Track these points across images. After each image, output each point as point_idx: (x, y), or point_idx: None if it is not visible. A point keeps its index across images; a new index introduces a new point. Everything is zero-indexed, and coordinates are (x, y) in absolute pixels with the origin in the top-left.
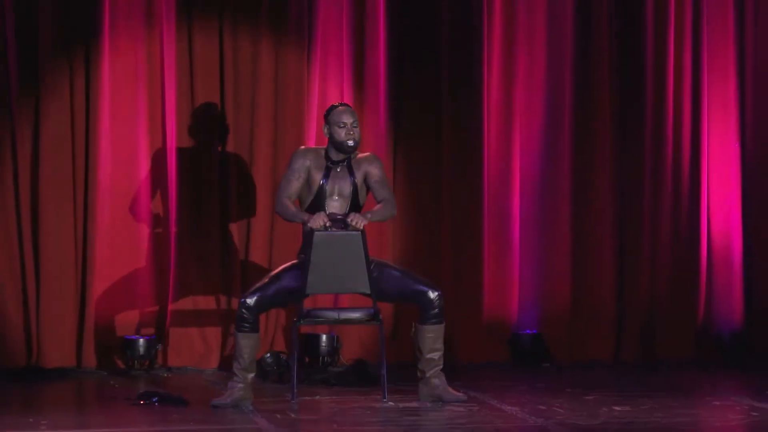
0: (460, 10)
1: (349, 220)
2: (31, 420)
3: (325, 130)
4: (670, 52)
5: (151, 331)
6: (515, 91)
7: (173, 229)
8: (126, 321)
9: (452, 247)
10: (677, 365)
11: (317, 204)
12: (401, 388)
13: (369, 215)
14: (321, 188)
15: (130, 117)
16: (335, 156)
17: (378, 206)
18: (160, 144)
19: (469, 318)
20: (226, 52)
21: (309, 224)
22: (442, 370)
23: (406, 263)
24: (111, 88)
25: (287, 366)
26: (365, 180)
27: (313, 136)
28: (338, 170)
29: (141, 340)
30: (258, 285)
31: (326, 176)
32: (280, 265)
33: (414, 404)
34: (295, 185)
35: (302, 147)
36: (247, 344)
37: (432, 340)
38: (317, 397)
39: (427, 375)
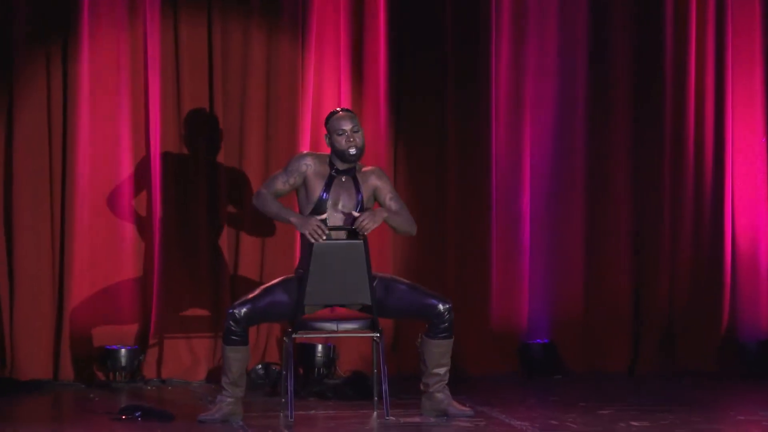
0: None
1: (358, 221)
2: None
3: (327, 140)
4: (691, 39)
5: (133, 340)
6: (525, 81)
7: (158, 231)
8: (106, 330)
9: (457, 249)
10: (699, 377)
11: (316, 215)
12: (403, 401)
13: (385, 214)
14: (321, 198)
15: (112, 112)
16: (340, 165)
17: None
18: (143, 141)
19: (475, 326)
20: (214, 42)
21: (304, 234)
22: (447, 383)
23: (407, 268)
24: (91, 81)
25: (279, 378)
26: (374, 195)
27: (308, 132)
28: (343, 180)
29: (122, 351)
30: (249, 296)
31: (328, 186)
32: (273, 270)
33: (416, 419)
34: (280, 185)
35: (305, 151)
36: (235, 358)
37: (439, 355)
38: (312, 411)
39: (431, 390)
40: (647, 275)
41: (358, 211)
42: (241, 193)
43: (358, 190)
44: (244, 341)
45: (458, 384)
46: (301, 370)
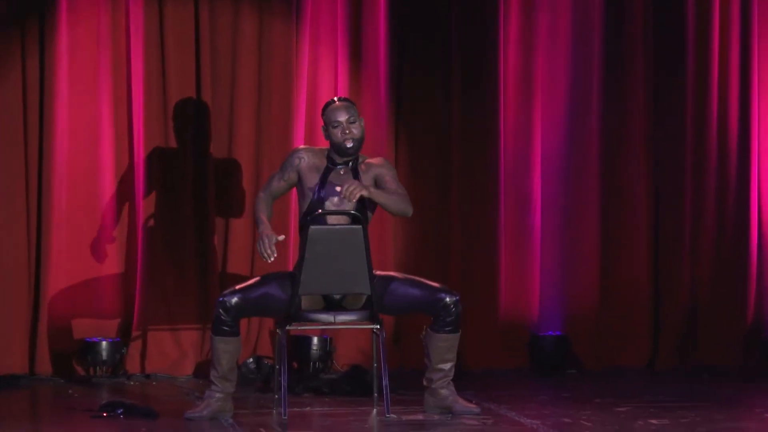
0: None
1: (344, 188)
2: None
3: (324, 132)
4: (715, 10)
5: (115, 332)
6: (535, 58)
7: (141, 219)
8: (86, 321)
9: (464, 238)
10: (722, 373)
11: (313, 210)
12: (404, 398)
13: (374, 191)
14: (317, 192)
15: (92, 94)
16: (338, 159)
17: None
18: (126, 126)
19: (482, 318)
20: (201, 20)
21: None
22: (452, 379)
23: (409, 258)
24: (69, 61)
25: (272, 373)
26: (376, 183)
27: (303, 118)
28: (341, 173)
29: (103, 343)
30: (241, 285)
31: (324, 179)
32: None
33: (419, 417)
34: (275, 184)
35: (301, 146)
36: (225, 349)
37: (444, 350)
38: (307, 408)
39: (435, 386)
40: (667, 265)
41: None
42: (230, 180)
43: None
44: (235, 332)
45: (464, 379)
46: (296, 365)
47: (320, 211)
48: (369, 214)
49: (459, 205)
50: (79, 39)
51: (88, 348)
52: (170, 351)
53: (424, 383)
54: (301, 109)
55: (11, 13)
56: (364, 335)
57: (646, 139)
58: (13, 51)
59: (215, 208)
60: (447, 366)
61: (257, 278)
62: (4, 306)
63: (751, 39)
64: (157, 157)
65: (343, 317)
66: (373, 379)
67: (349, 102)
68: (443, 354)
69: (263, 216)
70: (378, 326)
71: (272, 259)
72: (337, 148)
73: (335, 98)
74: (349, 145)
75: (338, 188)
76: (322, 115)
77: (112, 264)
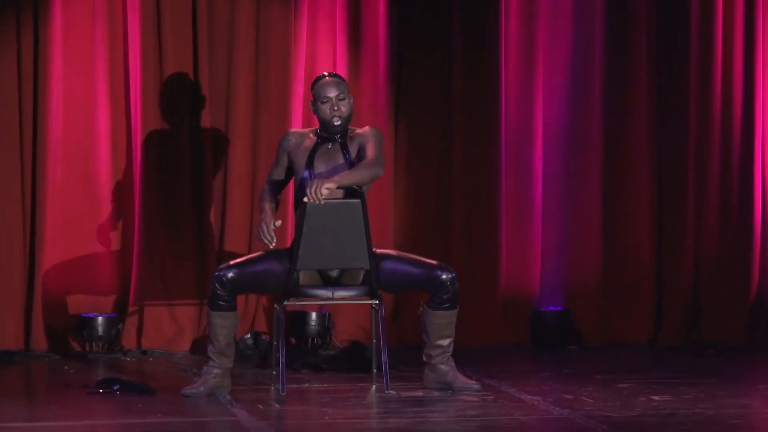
0: None
1: (307, 191)
2: None
3: (312, 108)
4: None
5: (111, 308)
6: (537, 23)
7: (138, 191)
8: (82, 297)
9: (463, 210)
10: (725, 349)
11: (304, 189)
12: (404, 374)
13: (337, 178)
14: (307, 169)
15: (87, 67)
16: (326, 134)
17: (355, 167)
18: (122, 99)
19: (482, 292)
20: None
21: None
22: (452, 355)
23: (410, 233)
24: (64, 34)
25: (270, 349)
26: (358, 154)
27: (300, 97)
28: (329, 147)
29: (99, 319)
30: (239, 260)
31: (312, 156)
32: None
33: (419, 393)
34: (274, 171)
35: (291, 130)
36: (222, 324)
37: (442, 326)
38: (305, 384)
39: (434, 361)
40: (670, 240)
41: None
42: (227, 157)
43: (346, 156)
44: (232, 307)
45: (463, 355)
46: (294, 340)
47: (269, 238)
48: (364, 186)
49: (459, 179)
50: (74, 14)
51: (84, 324)
52: (167, 327)
53: (424, 359)
54: (299, 86)
55: None
56: (363, 311)
57: (649, 112)
58: (8, 27)
59: (212, 185)
60: (445, 342)
61: (254, 254)
62: None
63: (755, 11)
64: (153, 133)
65: (341, 293)
66: (372, 355)
67: (339, 78)
68: (441, 330)
69: (266, 205)
70: (377, 302)
71: (272, 245)
72: (324, 125)
73: (326, 73)
74: (337, 123)
75: (308, 189)
76: (312, 89)
77: (108, 239)
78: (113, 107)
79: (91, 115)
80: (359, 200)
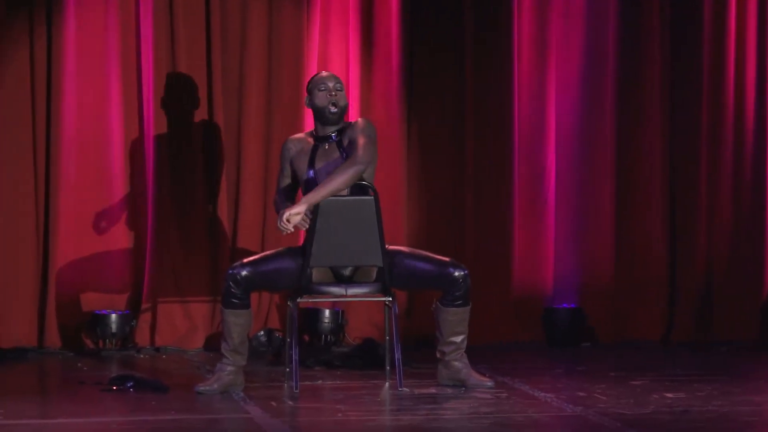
0: None
1: (278, 223)
2: None
3: (307, 101)
4: None
5: (124, 305)
6: (550, 22)
7: (150, 188)
8: (95, 294)
9: (477, 209)
10: (739, 346)
11: (309, 190)
12: (417, 371)
13: (305, 199)
14: (309, 173)
15: (101, 62)
16: (321, 131)
17: (328, 176)
18: (135, 93)
19: (495, 290)
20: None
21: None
22: (465, 352)
23: (423, 230)
24: (77, 31)
25: (283, 346)
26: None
27: None
28: (326, 147)
29: (113, 316)
30: (252, 258)
31: (313, 159)
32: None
33: (432, 390)
34: (281, 181)
35: (290, 137)
36: (236, 322)
37: (455, 323)
38: (318, 381)
39: (447, 358)
40: (683, 237)
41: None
42: (240, 153)
43: (342, 154)
44: (245, 305)
45: (477, 352)
46: (307, 338)
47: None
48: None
49: (472, 176)
50: (87, 12)
51: (98, 321)
52: (180, 324)
53: (437, 355)
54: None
55: None
56: (376, 308)
57: (662, 109)
58: (21, 26)
59: (225, 181)
60: (459, 338)
61: (267, 252)
62: (12, 279)
63: None
64: (166, 131)
65: (354, 290)
66: (385, 352)
67: (336, 76)
68: (454, 327)
69: (281, 204)
70: (390, 299)
71: (290, 230)
72: (320, 114)
73: (323, 71)
74: (333, 109)
75: (283, 216)
76: (308, 85)
77: (122, 236)
78: (126, 106)
79: (104, 113)
80: (372, 197)
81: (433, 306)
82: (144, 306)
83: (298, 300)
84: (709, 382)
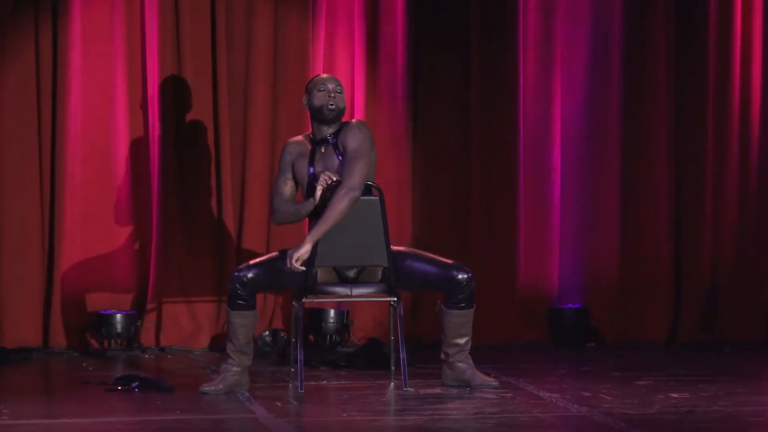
0: None
1: (291, 262)
2: None
3: (304, 101)
4: None
5: (129, 305)
6: (555, 20)
7: (156, 188)
8: (100, 294)
9: (482, 208)
10: (744, 347)
11: (310, 193)
12: (422, 371)
13: (309, 238)
14: (310, 176)
15: (106, 60)
16: (318, 134)
17: (326, 209)
18: (140, 93)
19: (501, 290)
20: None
21: (317, 189)
22: (470, 352)
23: (429, 230)
24: (82, 28)
25: (288, 346)
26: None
27: None
28: (323, 150)
29: (118, 316)
30: (257, 260)
31: (311, 162)
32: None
33: (437, 390)
34: (282, 187)
35: (289, 140)
36: (242, 323)
37: (459, 325)
38: (323, 381)
39: (451, 359)
40: (688, 237)
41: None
42: (246, 153)
43: (338, 156)
44: (251, 306)
45: (482, 352)
46: (312, 338)
47: (336, 178)
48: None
49: (478, 176)
50: (93, 11)
51: (103, 321)
52: (185, 324)
53: (442, 357)
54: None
55: None
56: (381, 308)
57: (667, 109)
58: (27, 24)
59: (230, 182)
60: (462, 340)
61: (273, 253)
62: (17, 279)
63: None
64: (171, 131)
65: (360, 290)
66: (390, 352)
67: (337, 79)
68: (458, 329)
69: (297, 203)
70: (395, 299)
71: (336, 177)
72: (317, 113)
73: (323, 74)
74: (331, 107)
75: (321, 168)
76: (307, 85)
77: (127, 236)
78: (131, 105)
79: (110, 112)
80: (377, 197)
81: (437, 308)
82: (149, 306)
83: (303, 300)
84: (714, 382)
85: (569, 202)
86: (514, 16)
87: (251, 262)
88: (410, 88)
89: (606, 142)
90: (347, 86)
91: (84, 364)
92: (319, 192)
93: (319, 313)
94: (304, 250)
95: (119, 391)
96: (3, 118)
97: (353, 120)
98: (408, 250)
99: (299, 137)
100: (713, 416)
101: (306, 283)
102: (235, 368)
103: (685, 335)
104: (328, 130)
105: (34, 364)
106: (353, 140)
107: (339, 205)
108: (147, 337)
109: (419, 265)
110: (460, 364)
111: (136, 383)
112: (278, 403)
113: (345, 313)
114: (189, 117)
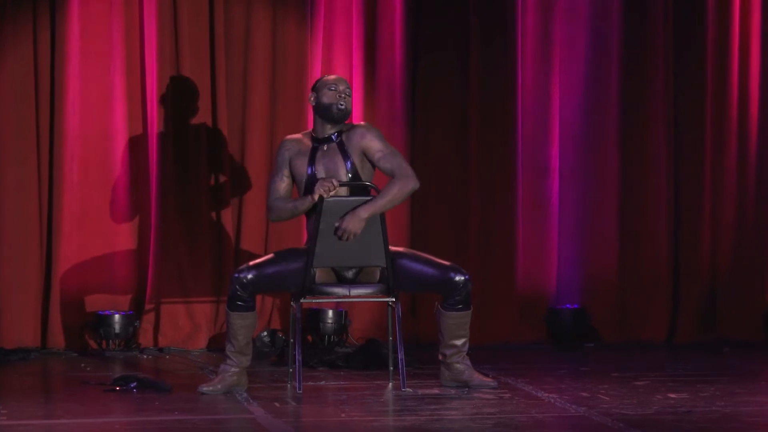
0: None
1: (340, 230)
2: None
3: (312, 99)
4: None
5: (128, 305)
6: (554, 22)
7: (154, 189)
8: (98, 294)
9: (480, 207)
10: (743, 347)
11: (311, 187)
12: (420, 371)
13: (368, 212)
14: (309, 177)
15: (104, 62)
16: (321, 132)
17: (385, 187)
18: (139, 93)
19: (499, 290)
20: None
21: (316, 192)
22: (468, 353)
23: (427, 230)
24: (80, 29)
25: (286, 346)
26: (366, 157)
27: None
28: (325, 149)
29: (116, 316)
30: (257, 261)
31: (312, 159)
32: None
33: (435, 390)
34: (279, 185)
35: (286, 137)
36: (242, 324)
37: (456, 327)
38: (322, 382)
39: (449, 360)
40: (687, 237)
41: (349, 179)
42: (244, 154)
43: (345, 157)
44: (251, 307)
45: (480, 353)
46: (310, 338)
47: (337, 184)
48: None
49: (476, 177)
50: (91, 10)
51: (101, 321)
52: (184, 324)
53: (439, 357)
54: (315, 77)
55: None
56: (379, 309)
57: (666, 108)
58: (25, 23)
59: (229, 182)
60: (460, 342)
61: (271, 254)
62: (16, 279)
63: None
64: (170, 132)
65: (358, 290)
66: (388, 352)
67: (347, 82)
68: (455, 331)
69: (294, 200)
70: (393, 299)
71: (332, 192)
72: (325, 111)
73: (332, 75)
74: (342, 106)
75: (341, 228)
76: (316, 83)
77: (125, 237)
78: (130, 105)
79: (108, 112)
80: (375, 198)
81: (435, 309)
82: (147, 306)
83: (302, 301)
84: (712, 382)
85: (568, 202)
86: (512, 16)
87: (251, 263)
88: (408, 88)
89: (604, 141)
90: None
91: (82, 365)
92: (317, 196)
93: (317, 314)
94: (362, 218)
95: (117, 391)
96: (1, 118)
97: (361, 123)
98: (406, 251)
99: (298, 135)
100: (712, 416)
101: (304, 282)
102: (233, 369)
103: (684, 335)
104: (332, 129)
105: (32, 365)
106: (373, 140)
107: (400, 193)
108: (145, 338)
109: (417, 266)
110: (458, 365)
111: (135, 383)
112: (276, 404)
113: (343, 314)
114: (187, 117)
